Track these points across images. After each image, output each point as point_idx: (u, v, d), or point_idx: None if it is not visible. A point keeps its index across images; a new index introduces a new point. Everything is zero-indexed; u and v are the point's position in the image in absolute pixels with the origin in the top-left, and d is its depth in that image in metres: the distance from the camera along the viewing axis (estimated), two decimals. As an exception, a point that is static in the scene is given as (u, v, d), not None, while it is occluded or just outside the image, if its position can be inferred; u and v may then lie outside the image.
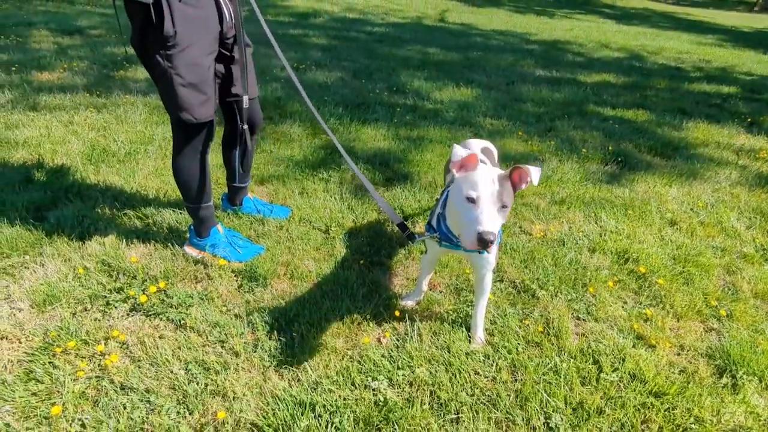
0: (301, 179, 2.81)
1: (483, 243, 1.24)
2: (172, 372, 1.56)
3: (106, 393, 1.47)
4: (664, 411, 1.55)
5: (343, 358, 1.66)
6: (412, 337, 1.76)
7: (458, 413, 1.50)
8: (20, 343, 1.63)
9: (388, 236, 2.36)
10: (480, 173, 1.33)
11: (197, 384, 1.52)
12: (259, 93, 2.13)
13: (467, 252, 1.56)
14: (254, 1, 1.84)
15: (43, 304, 1.77)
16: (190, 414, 1.43)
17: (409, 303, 1.92)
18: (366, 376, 1.58)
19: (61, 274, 1.92)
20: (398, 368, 1.63)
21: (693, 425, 1.51)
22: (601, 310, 1.98)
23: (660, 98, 5.22)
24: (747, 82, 6.46)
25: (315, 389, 1.53)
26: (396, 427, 1.43)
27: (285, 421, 1.41)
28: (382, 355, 1.67)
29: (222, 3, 1.71)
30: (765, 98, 5.58)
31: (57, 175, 2.64)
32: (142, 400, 1.46)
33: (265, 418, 1.43)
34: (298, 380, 1.56)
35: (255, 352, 1.66)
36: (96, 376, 1.53)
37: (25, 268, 1.94)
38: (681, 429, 1.50)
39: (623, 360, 1.73)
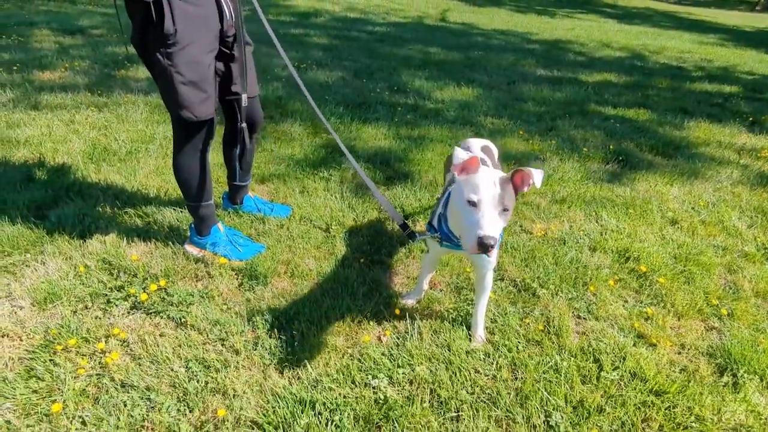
0: (301, 178, 2.81)
1: (483, 247, 1.23)
2: (172, 370, 1.56)
3: (107, 390, 1.48)
4: (665, 409, 1.55)
5: (343, 356, 1.66)
6: (412, 335, 1.76)
7: (458, 411, 1.50)
8: (21, 340, 1.63)
9: (388, 235, 2.36)
10: (481, 176, 1.32)
11: (197, 382, 1.53)
12: (260, 92, 2.14)
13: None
14: (256, 0, 1.84)
15: (44, 302, 1.78)
16: (190, 412, 1.44)
17: (409, 301, 1.92)
18: (366, 374, 1.58)
19: (62, 272, 1.92)
20: (398, 366, 1.63)
21: (694, 424, 1.51)
22: (602, 308, 1.98)
23: (661, 97, 5.21)
24: (749, 81, 6.45)
25: (315, 387, 1.53)
26: (396, 425, 1.43)
27: (285, 419, 1.41)
28: (383, 354, 1.67)
29: (222, 1, 1.71)
30: (767, 97, 5.57)
31: (58, 173, 2.64)
32: (142, 398, 1.46)
33: (265, 415, 1.43)
34: (299, 378, 1.56)
35: (255, 350, 1.66)
36: (96, 374, 1.53)
37: (26, 266, 1.95)
38: (682, 427, 1.50)
39: (624, 358, 1.73)
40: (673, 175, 3.28)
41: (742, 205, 2.96)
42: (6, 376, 1.48)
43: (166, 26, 1.55)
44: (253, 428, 1.40)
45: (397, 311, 1.87)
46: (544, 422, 1.49)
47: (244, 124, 1.94)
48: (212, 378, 1.54)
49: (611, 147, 3.63)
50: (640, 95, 5.23)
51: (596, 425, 1.48)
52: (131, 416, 1.40)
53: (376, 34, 7.45)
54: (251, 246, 2.14)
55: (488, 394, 1.56)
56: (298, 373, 1.58)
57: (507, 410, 1.51)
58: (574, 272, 2.16)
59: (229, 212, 2.41)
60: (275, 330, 1.74)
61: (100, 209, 2.34)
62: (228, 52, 1.82)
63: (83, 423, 1.37)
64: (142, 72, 4.42)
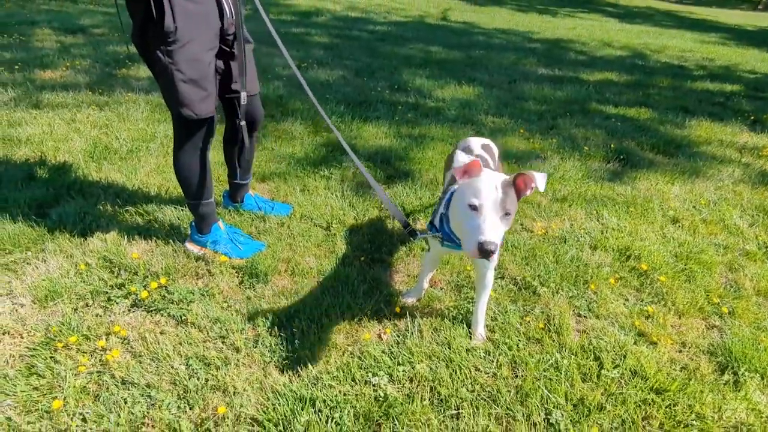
0: (302, 176, 2.82)
1: (484, 253, 1.22)
2: (172, 367, 1.56)
3: (107, 388, 1.48)
4: (665, 407, 1.55)
5: (343, 354, 1.66)
6: (412, 333, 1.76)
7: (458, 409, 1.50)
8: (22, 338, 1.63)
9: (389, 233, 2.36)
10: (483, 180, 1.30)
11: (198, 379, 1.53)
12: (261, 90, 2.13)
13: None
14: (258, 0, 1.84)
15: (45, 299, 1.78)
16: (190, 409, 1.44)
17: (409, 300, 1.92)
18: (366, 372, 1.58)
19: (62, 270, 1.93)
20: (399, 364, 1.63)
21: (694, 422, 1.51)
22: (603, 307, 1.98)
23: (663, 96, 5.20)
24: (750, 80, 6.44)
25: (315, 384, 1.53)
26: (396, 422, 1.43)
27: (285, 416, 1.41)
28: (383, 351, 1.67)
29: (223, -1, 1.71)
30: (768, 96, 5.56)
31: (59, 172, 2.64)
32: (142, 395, 1.46)
33: (265, 413, 1.43)
34: (299, 376, 1.56)
35: (255, 347, 1.66)
36: (97, 371, 1.53)
37: (27, 264, 1.95)
38: (682, 425, 1.50)
39: (624, 357, 1.72)
40: (674, 173, 3.27)
41: (744, 204, 2.95)
42: (7, 374, 1.49)
43: (166, 24, 1.55)
44: (253, 425, 1.40)
45: (398, 309, 1.87)
46: (544, 420, 1.49)
47: (243, 122, 1.94)
48: (212, 375, 1.54)
49: (612, 146, 3.63)
50: (641, 94, 5.22)
51: (596, 423, 1.48)
52: (132, 413, 1.40)
53: (377, 33, 7.44)
54: (252, 244, 2.15)
55: (488, 391, 1.56)
56: (298, 370, 1.58)
57: (507, 408, 1.51)
58: (574, 270, 2.16)
59: (229, 210, 2.41)
60: (275, 328, 1.74)
61: (101, 207, 2.34)
62: (228, 50, 1.83)
63: (84, 420, 1.38)
64: (143, 71, 4.42)
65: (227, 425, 1.40)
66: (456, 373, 1.61)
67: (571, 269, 2.17)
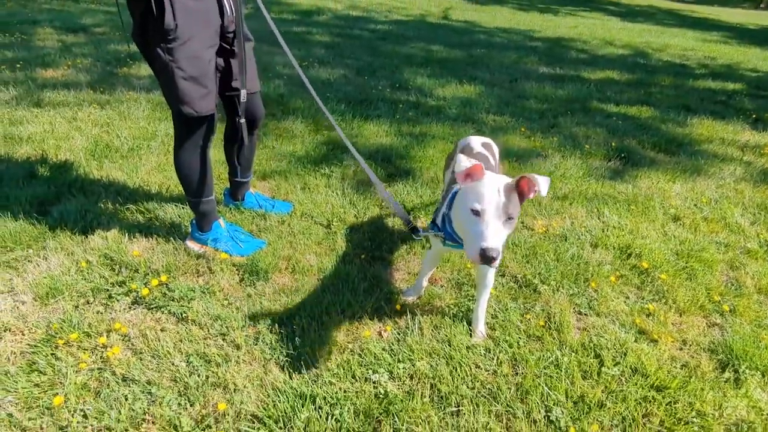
0: (303, 175, 2.82)
1: (486, 260, 1.20)
2: (173, 364, 1.56)
3: (108, 384, 1.48)
4: (666, 405, 1.54)
5: (343, 352, 1.66)
6: (413, 330, 1.76)
7: (459, 406, 1.50)
8: (23, 335, 1.64)
9: (389, 231, 2.36)
10: (485, 184, 1.28)
11: (198, 376, 1.53)
12: (261, 88, 2.13)
13: None
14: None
15: (46, 296, 1.78)
16: (191, 405, 1.44)
17: (409, 298, 1.92)
18: (366, 369, 1.59)
19: (63, 267, 1.93)
20: (399, 361, 1.63)
21: (695, 419, 1.51)
22: (603, 304, 1.97)
23: (664, 95, 5.19)
24: (753, 78, 6.42)
25: (315, 381, 1.53)
26: (396, 419, 1.43)
27: (285, 413, 1.42)
28: (383, 349, 1.67)
29: (223, -4, 1.71)
30: (771, 95, 5.54)
31: (60, 170, 2.65)
32: (143, 392, 1.46)
33: (265, 409, 1.43)
34: (299, 373, 1.56)
35: (256, 345, 1.66)
36: (98, 368, 1.53)
37: (29, 261, 1.95)
38: (682, 423, 1.49)
39: (625, 354, 1.72)
40: (675, 172, 3.27)
41: (745, 202, 2.94)
42: (8, 370, 1.49)
43: (166, 21, 1.55)
44: (253, 422, 1.41)
45: (398, 307, 1.87)
46: (544, 417, 1.48)
47: (243, 120, 1.94)
48: (213, 372, 1.55)
49: (613, 144, 3.62)
50: (642, 93, 5.21)
51: (597, 420, 1.48)
52: (132, 410, 1.41)
53: (378, 32, 7.44)
54: (252, 242, 2.15)
55: (489, 389, 1.56)
56: (298, 367, 1.58)
57: (507, 405, 1.51)
58: (575, 268, 2.16)
59: (230, 208, 2.41)
60: (276, 325, 1.74)
61: (102, 205, 2.35)
62: (228, 47, 1.83)
63: (85, 416, 1.38)
64: (145, 69, 4.42)
65: (228, 422, 1.40)
66: (456, 370, 1.61)
67: (571, 267, 2.16)
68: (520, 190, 1.31)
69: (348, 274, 2.01)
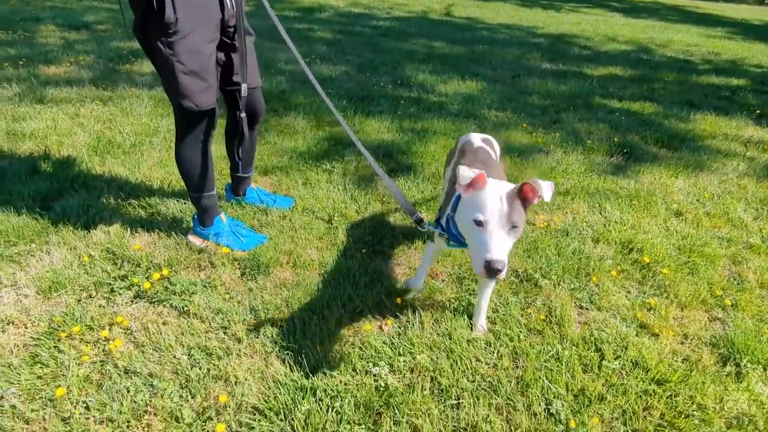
0: (304, 170, 2.82)
1: (491, 272, 1.18)
2: (175, 357, 1.57)
3: (110, 377, 1.49)
4: (667, 398, 1.54)
5: (344, 345, 1.67)
6: (413, 324, 1.76)
7: (459, 399, 1.50)
8: (26, 328, 1.65)
9: (390, 226, 2.36)
10: (487, 193, 1.25)
11: (200, 369, 1.54)
12: (262, 83, 2.13)
13: None
14: None
15: (49, 290, 1.79)
16: (192, 398, 1.45)
17: (409, 296, 1.89)
18: (367, 362, 1.59)
19: (66, 261, 1.94)
20: (399, 354, 1.63)
21: (695, 412, 1.50)
22: (604, 299, 1.97)
23: (667, 91, 5.17)
24: (757, 74, 6.38)
25: (316, 374, 1.53)
26: (396, 411, 1.43)
27: (286, 405, 1.42)
28: (384, 342, 1.68)
29: (223, -9, 1.71)
30: (775, 90, 5.51)
31: (63, 166, 2.66)
32: (145, 384, 1.47)
33: (266, 401, 1.44)
34: (300, 365, 1.57)
35: (257, 338, 1.67)
36: (100, 361, 1.54)
37: (32, 255, 1.97)
38: (683, 416, 1.49)
39: (626, 348, 1.72)
40: (678, 167, 3.25)
41: (748, 197, 2.93)
42: (11, 362, 1.50)
43: (167, 15, 1.55)
44: (254, 414, 1.41)
45: (399, 301, 1.87)
46: (544, 410, 1.49)
47: (243, 114, 1.94)
48: (214, 365, 1.55)
49: (616, 140, 3.61)
50: (645, 88, 5.18)
51: (597, 413, 1.48)
52: (134, 402, 1.41)
53: (380, 28, 7.43)
54: (254, 236, 2.15)
55: (489, 382, 1.56)
56: (299, 360, 1.58)
57: (508, 398, 1.51)
58: (576, 263, 2.16)
59: (231, 203, 2.42)
60: (277, 319, 1.75)
61: (105, 201, 2.36)
62: (229, 42, 1.83)
63: (87, 408, 1.39)
64: (147, 66, 4.43)
65: (228, 414, 1.41)
66: (457, 363, 1.61)
67: (573, 262, 2.16)
68: (523, 196, 1.28)
69: (349, 268, 2.02)
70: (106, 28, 5.92)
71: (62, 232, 2.09)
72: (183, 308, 1.77)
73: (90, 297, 1.80)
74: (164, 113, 3.44)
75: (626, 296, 2.01)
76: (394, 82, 4.69)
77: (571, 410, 1.48)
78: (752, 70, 6.61)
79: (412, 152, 3.17)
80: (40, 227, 2.11)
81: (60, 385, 1.44)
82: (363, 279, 1.96)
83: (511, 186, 1.30)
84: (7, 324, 1.65)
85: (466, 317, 1.81)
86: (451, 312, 1.83)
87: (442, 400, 1.49)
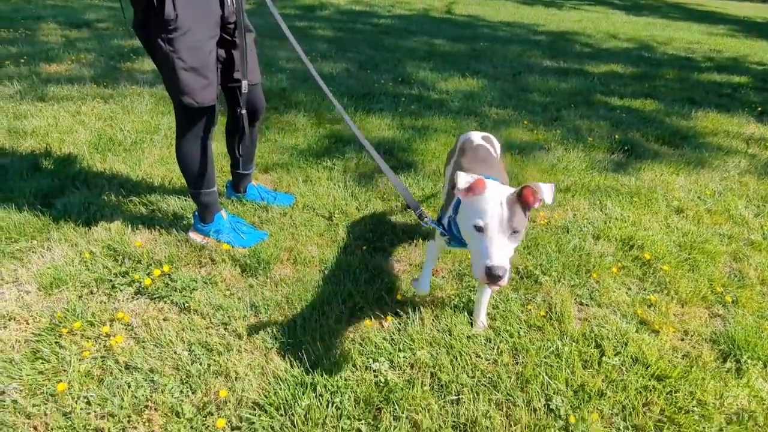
0: (305, 167, 2.82)
1: (492, 278, 1.16)
2: (175, 353, 1.58)
3: (111, 372, 1.50)
4: (666, 394, 1.54)
5: (344, 341, 1.67)
6: (413, 320, 1.76)
7: (459, 394, 1.50)
8: (27, 324, 1.66)
9: (391, 223, 2.36)
10: (487, 198, 1.23)
11: (200, 364, 1.54)
12: (262, 80, 2.13)
13: None
14: None
15: (50, 287, 1.80)
16: (192, 393, 1.45)
17: (421, 291, 1.82)
18: (367, 358, 1.59)
19: (67, 258, 1.95)
20: (399, 350, 1.63)
21: (695, 408, 1.50)
22: (605, 295, 1.97)
23: (669, 88, 5.15)
24: (759, 71, 6.36)
25: (316, 370, 1.54)
26: (396, 407, 1.44)
27: (286, 400, 1.43)
28: (384, 338, 1.68)
29: (223, -13, 1.71)
30: (777, 88, 5.49)
31: (64, 163, 2.67)
32: (146, 379, 1.48)
33: (266, 397, 1.44)
34: (300, 361, 1.57)
35: (257, 334, 1.67)
36: (101, 356, 1.55)
37: (33, 252, 1.97)
38: (683, 411, 1.49)
39: (626, 344, 1.72)
40: (679, 164, 3.25)
41: (749, 194, 2.93)
42: (13, 358, 1.51)
43: (167, 11, 1.55)
44: (254, 409, 1.42)
45: (399, 297, 1.87)
46: (544, 406, 1.49)
47: (243, 111, 1.94)
48: (215, 361, 1.56)
49: (617, 137, 3.60)
50: (647, 86, 5.17)
51: (597, 408, 1.48)
52: (135, 397, 1.42)
53: (381, 26, 7.42)
54: (254, 233, 2.16)
55: (489, 377, 1.56)
56: (299, 356, 1.59)
57: (507, 394, 1.51)
58: (577, 260, 2.16)
59: (232, 200, 2.42)
60: (277, 315, 1.75)
61: (106, 198, 2.36)
62: (230, 38, 1.83)
63: (88, 403, 1.40)
64: (147, 64, 4.44)
65: (229, 409, 1.41)
66: (457, 359, 1.61)
67: (573, 258, 2.16)
68: (523, 200, 1.25)
69: (349, 264, 2.02)
70: (107, 26, 5.92)
71: (63, 229, 2.09)
72: (184, 304, 1.77)
73: (91, 293, 1.81)
74: (165, 111, 3.44)
75: (626, 293, 2.01)
76: (394, 79, 4.69)
77: (570, 406, 1.48)
78: (754, 68, 6.59)
79: (413, 149, 3.17)
80: (42, 224, 2.12)
81: (61, 381, 1.44)
82: (363, 276, 1.97)
83: (512, 190, 1.28)
84: (9, 320, 1.66)
85: (466, 313, 1.81)
86: (451, 308, 1.83)
87: (442, 396, 1.50)
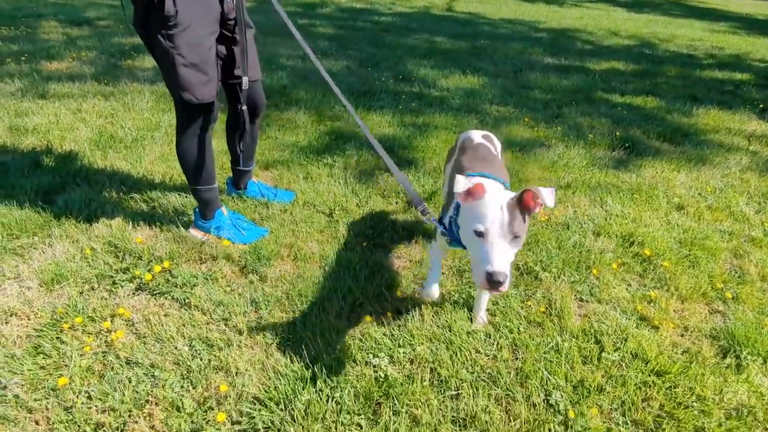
0: (305, 164, 2.82)
1: (493, 284, 1.14)
2: (176, 348, 1.58)
3: (112, 367, 1.50)
4: (666, 389, 1.55)
5: (344, 336, 1.67)
6: (413, 316, 1.77)
7: (458, 390, 1.50)
8: (29, 319, 1.66)
9: (391, 220, 2.36)
10: (487, 202, 1.21)
11: (201, 360, 1.55)
12: (262, 77, 2.14)
13: None
14: None
15: (52, 282, 1.81)
16: (193, 388, 1.46)
17: (430, 297, 1.76)
18: (367, 353, 1.60)
19: (68, 254, 1.95)
20: (399, 346, 1.64)
21: (695, 403, 1.51)
22: (605, 291, 1.97)
23: (670, 85, 5.14)
24: (761, 69, 6.34)
25: (316, 365, 1.54)
26: (396, 402, 1.44)
27: (286, 395, 1.43)
28: (384, 334, 1.68)
29: (223, -17, 1.71)
30: (779, 85, 5.47)
31: (65, 160, 2.67)
32: (146, 374, 1.49)
33: (266, 392, 1.45)
34: (300, 356, 1.57)
35: (258, 329, 1.67)
36: (102, 351, 1.56)
37: (34, 248, 1.98)
38: (682, 407, 1.49)
39: (625, 340, 1.72)
40: (680, 161, 3.24)
41: (751, 191, 2.92)
42: (14, 353, 1.52)
43: (166, 8, 1.56)
44: (254, 404, 1.42)
45: (399, 293, 1.88)
46: (544, 401, 1.49)
47: (244, 107, 1.94)
48: (215, 356, 1.56)
49: (618, 134, 3.60)
50: (648, 83, 5.16)
51: (596, 404, 1.48)
52: (136, 392, 1.43)
53: (381, 24, 7.41)
54: (255, 230, 2.16)
55: (488, 373, 1.57)
56: (299, 351, 1.59)
57: (507, 389, 1.52)
58: (577, 256, 2.16)
59: (233, 197, 2.43)
60: (277, 311, 1.76)
61: (106, 194, 2.37)
62: (230, 35, 1.83)
63: (89, 398, 1.40)
64: (148, 62, 4.44)
65: (229, 404, 1.42)
66: (456, 355, 1.62)
67: (573, 255, 2.16)
68: (524, 204, 1.23)
69: (349, 261, 2.02)
70: (107, 24, 5.93)
71: (64, 226, 2.10)
72: (184, 300, 1.78)
73: (92, 289, 1.81)
74: (166, 108, 3.45)
75: (627, 289, 2.01)
76: (395, 77, 4.68)
77: (570, 401, 1.49)
78: (756, 65, 6.57)
79: (414, 147, 3.17)
80: (43, 221, 2.13)
81: (62, 375, 1.45)
82: (363, 272, 1.97)
83: (512, 194, 1.27)
84: (11, 315, 1.67)
85: (466, 310, 1.81)
86: (451, 304, 1.83)
87: (442, 391, 1.50)
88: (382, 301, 1.84)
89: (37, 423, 1.34)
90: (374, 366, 1.56)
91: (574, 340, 1.71)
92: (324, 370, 1.52)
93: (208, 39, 1.71)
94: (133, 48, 4.81)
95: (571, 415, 1.43)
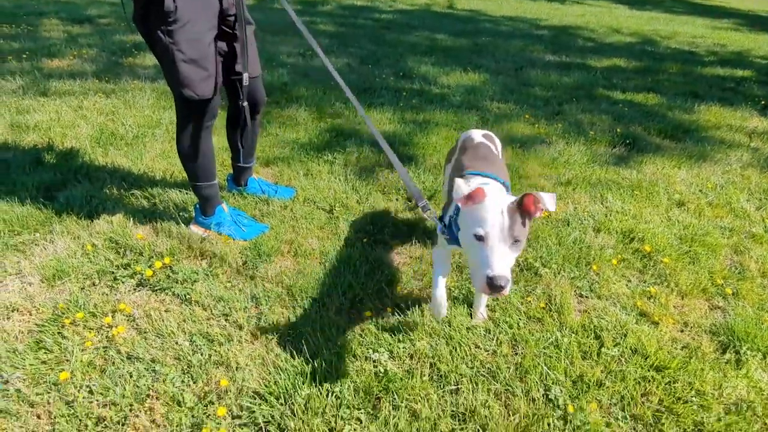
0: (306, 161, 2.83)
1: (494, 288, 1.13)
2: (177, 343, 1.59)
3: (113, 362, 1.51)
4: (665, 384, 1.55)
5: (344, 332, 1.68)
6: (413, 311, 1.77)
7: (458, 384, 1.51)
8: (31, 315, 1.67)
9: (391, 216, 2.36)
10: (487, 206, 1.20)
11: (201, 355, 1.55)
12: (263, 73, 2.14)
13: None
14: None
15: (53, 278, 1.81)
16: (194, 382, 1.47)
17: (438, 314, 1.61)
18: (366, 348, 1.60)
19: (70, 250, 1.96)
20: (399, 341, 1.64)
21: (694, 398, 1.51)
22: (605, 287, 1.97)
23: (672, 82, 5.13)
24: (763, 65, 6.32)
25: (316, 360, 1.55)
26: (396, 396, 1.45)
27: (287, 390, 1.44)
28: (383, 329, 1.69)
29: (222, -21, 1.71)
30: (781, 81, 5.46)
31: (66, 157, 2.68)
32: (147, 369, 1.49)
33: (267, 386, 1.45)
34: (300, 351, 1.58)
35: (258, 325, 1.68)
36: (103, 347, 1.56)
37: (36, 245, 1.99)
38: (681, 402, 1.50)
39: (625, 335, 1.73)
40: (681, 158, 3.24)
41: (751, 188, 2.92)
42: (16, 348, 1.52)
43: (166, 3, 1.56)
44: (255, 398, 1.43)
45: (399, 289, 1.88)
46: (543, 396, 1.49)
47: (245, 103, 1.95)
48: (216, 351, 1.57)
49: (618, 131, 3.59)
50: (649, 80, 5.15)
51: (595, 399, 1.49)
52: (137, 386, 1.43)
53: (382, 21, 7.40)
54: (255, 226, 2.17)
55: (488, 368, 1.57)
56: (299, 346, 1.60)
57: (506, 384, 1.52)
58: (577, 252, 2.16)
59: (233, 194, 2.43)
60: (278, 306, 1.76)
61: (107, 191, 2.37)
62: (230, 31, 1.83)
63: (90, 392, 1.41)
64: (149, 59, 4.44)
65: (230, 398, 1.42)
66: (456, 350, 1.62)
67: (573, 251, 2.16)
68: (525, 209, 1.22)
69: (350, 257, 2.03)
70: (108, 22, 5.93)
71: (66, 222, 2.11)
72: (185, 296, 1.78)
73: (93, 285, 1.82)
74: (167, 105, 3.45)
75: (626, 285, 2.01)
76: (396, 74, 4.68)
77: (569, 396, 1.49)
78: (758, 62, 6.55)
79: (414, 143, 3.17)
80: (44, 217, 2.13)
81: (64, 370, 1.46)
82: (363, 268, 1.97)
83: (512, 198, 1.26)
84: (12, 311, 1.67)
85: (465, 305, 1.82)
86: (450, 300, 1.83)
87: (441, 386, 1.50)
88: (382, 297, 1.85)
89: (38, 417, 1.34)
90: (374, 361, 1.56)
91: (573, 335, 1.72)
92: (324, 365, 1.53)
93: (208, 35, 1.72)
94: (134, 45, 4.81)
95: (571, 409, 1.44)
